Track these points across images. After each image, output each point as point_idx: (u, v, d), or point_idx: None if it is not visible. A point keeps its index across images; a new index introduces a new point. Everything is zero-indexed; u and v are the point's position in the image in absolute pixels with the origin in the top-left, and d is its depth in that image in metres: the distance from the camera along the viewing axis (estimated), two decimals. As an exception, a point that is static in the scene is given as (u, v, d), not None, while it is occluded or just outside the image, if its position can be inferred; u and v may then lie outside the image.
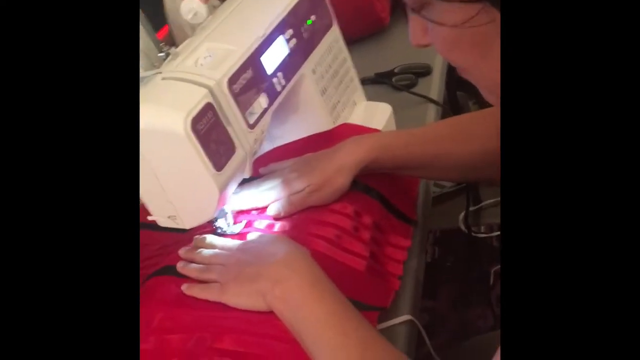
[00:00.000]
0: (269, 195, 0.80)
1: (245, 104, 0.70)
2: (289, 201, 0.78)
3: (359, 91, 0.96)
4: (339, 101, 0.90)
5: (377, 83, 1.19)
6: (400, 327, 0.68)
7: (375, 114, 0.93)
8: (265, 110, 0.73)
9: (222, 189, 0.67)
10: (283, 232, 0.76)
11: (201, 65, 0.70)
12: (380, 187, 0.82)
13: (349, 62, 0.93)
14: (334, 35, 0.90)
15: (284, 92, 0.77)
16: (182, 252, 0.74)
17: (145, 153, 0.65)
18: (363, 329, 0.61)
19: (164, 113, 0.63)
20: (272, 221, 0.79)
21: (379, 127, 0.89)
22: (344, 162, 0.78)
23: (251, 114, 0.71)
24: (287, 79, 0.78)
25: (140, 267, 0.84)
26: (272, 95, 0.75)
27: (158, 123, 0.63)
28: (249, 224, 0.79)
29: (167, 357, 0.64)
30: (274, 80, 0.75)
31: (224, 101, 0.67)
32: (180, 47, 0.73)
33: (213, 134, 0.65)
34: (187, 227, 0.71)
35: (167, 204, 0.69)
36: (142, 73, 0.70)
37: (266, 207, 0.80)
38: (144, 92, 0.65)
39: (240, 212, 0.81)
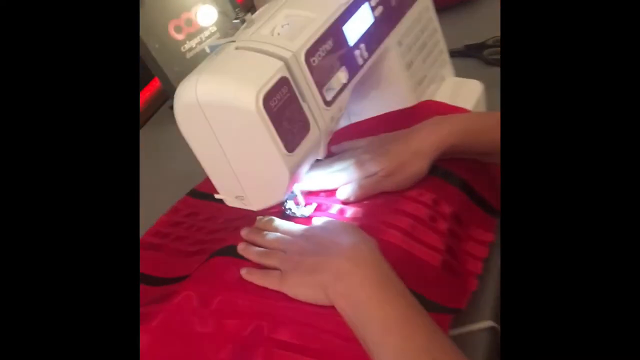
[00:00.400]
0: (339, 178, 0.74)
1: (323, 79, 0.64)
2: (360, 185, 0.72)
3: (447, 66, 0.88)
4: (425, 76, 0.82)
5: (466, 56, 1.09)
6: (479, 335, 0.61)
7: (464, 92, 0.84)
8: (344, 86, 0.67)
9: (293, 171, 0.62)
10: (353, 219, 0.71)
11: (278, 34, 0.64)
12: (462, 173, 0.74)
13: (439, 34, 0.85)
14: (425, 3, 0.82)
15: (366, 66, 0.70)
16: (244, 233, 0.70)
17: (214, 127, 0.60)
18: (433, 336, 0.55)
19: (234, 86, 0.58)
20: (343, 206, 0.73)
21: (468, 107, 0.81)
22: (421, 145, 0.71)
23: (329, 89, 0.65)
24: (370, 51, 0.71)
25: (206, 240, 0.80)
26: (353, 70, 0.68)
27: (228, 97, 0.58)
28: (319, 208, 0.74)
29: (222, 342, 0.61)
30: (356, 52, 0.68)
31: (300, 75, 0.61)
32: (257, 12, 0.68)
33: (286, 111, 0.59)
34: (255, 209, 0.66)
35: (235, 183, 0.64)
36: (215, 41, 0.65)
37: (335, 190, 0.75)
38: (216, 63, 0.60)
39: (310, 194, 0.76)
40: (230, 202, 0.67)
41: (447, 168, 0.73)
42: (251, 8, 0.68)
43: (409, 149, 0.71)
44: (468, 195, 0.73)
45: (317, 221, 0.70)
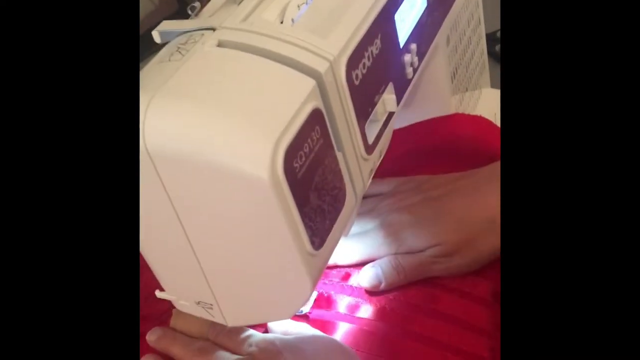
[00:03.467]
0: (359, 248, 0.47)
1: (366, 107, 0.36)
2: (397, 266, 0.46)
3: (486, 72, 0.62)
4: (466, 89, 0.56)
5: (471, 50, 0.85)
6: None
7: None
8: (390, 116, 0.40)
9: (317, 278, 0.34)
10: (369, 330, 0.44)
11: (291, 22, 0.35)
12: None
13: (482, 26, 0.59)
14: (470, -19, 0.55)
15: (414, 80, 0.43)
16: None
17: (175, 200, 0.31)
18: None
19: (225, 129, 0.29)
20: (356, 300, 0.46)
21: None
22: (499, 212, 0.45)
23: (372, 123, 0.38)
24: (421, 54, 0.43)
25: None
26: (401, 88, 0.41)
27: (210, 151, 0.29)
28: (320, 300, 0.47)
29: None
30: (406, 58, 0.41)
31: (337, 104, 0.33)
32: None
33: (317, 174, 0.31)
34: (230, 324, 0.38)
35: (201, 286, 0.36)
36: (171, 23, 0.35)
37: (356, 266, 0.48)
38: (182, 76, 0.31)
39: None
40: (186, 307, 0.39)
41: None
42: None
43: (482, 214, 0.45)
44: None
45: (304, 342, 0.43)
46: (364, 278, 0.46)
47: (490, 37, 0.84)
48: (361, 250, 0.47)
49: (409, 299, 0.46)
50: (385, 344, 0.44)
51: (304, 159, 0.30)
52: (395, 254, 0.46)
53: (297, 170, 0.30)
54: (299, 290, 0.33)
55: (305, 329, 0.44)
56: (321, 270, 0.34)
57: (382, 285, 0.46)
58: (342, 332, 0.45)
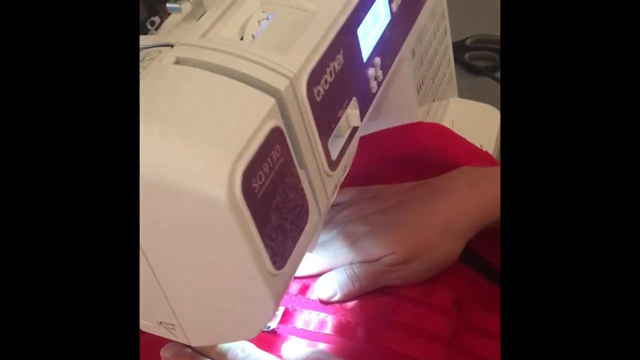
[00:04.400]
0: (317, 260, 0.47)
1: (329, 123, 0.36)
2: (352, 275, 0.46)
3: (453, 82, 0.62)
4: (433, 100, 0.56)
5: (440, 58, 0.85)
6: None
7: (479, 124, 0.60)
8: (354, 131, 0.39)
9: (279, 298, 0.33)
10: (340, 342, 0.44)
11: (252, 37, 0.35)
12: (485, 251, 0.50)
13: (449, 37, 0.59)
14: (437, -8, 0.55)
15: (379, 94, 0.43)
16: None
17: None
18: None
19: (182, 151, 0.28)
20: (322, 315, 0.46)
21: (489, 147, 0.57)
22: (452, 220, 0.45)
23: (335, 138, 0.37)
24: (386, 68, 0.43)
25: None
26: (365, 102, 0.41)
27: (166, 173, 0.28)
28: (286, 315, 0.46)
29: None
30: (370, 72, 0.41)
31: (298, 121, 0.33)
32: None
33: (277, 193, 0.31)
34: (193, 344, 0.37)
35: (161, 305, 0.35)
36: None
37: (314, 277, 0.48)
38: (140, 95, 0.30)
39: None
40: (147, 327, 0.38)
41: (470, 247, 0.48)
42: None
43: (434, 223, 0.45)
44: (490, 280, 0.49)
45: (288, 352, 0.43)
46: (320, 289, 0.46)
47: (458, 46, 0.85)
48: (319, 261, 0.47)
49: (369, 310, 0.46)
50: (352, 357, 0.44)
51: (263, 178, 0.30)
52: (351, 263, 0.46)
53: (256, 190, 0.29)
54: (262, 310, 0.33)
55: (324, 357, 0.43)
56: (284, 288, 0.34)
57: (338, 296, 0.46)
58: (310, 350, 0.45)
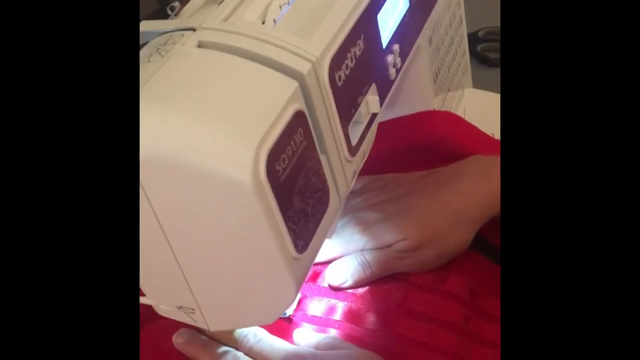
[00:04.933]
0: (329, 247, 0.47)
1: (350, 109, 0.36)
2: (364, 262, 0.46)
3: (468, 73, 0.62)
4: (449, 90, 0.56)
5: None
6: None
7: (494, 115, 0.59)
8: (374, 117, 0.39)
9: (301, 282, 0.34)
10: (350, 331, 0.44)
11: (273, 23, 0.35)
12: (494, 238, 0.50)
13: (464, 27, 0.59)
14: (452, -20, 0.55)
15: (397, 81, 0.43)
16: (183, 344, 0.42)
17: (154, 201, 0.30)
18: None
19: (205, 132, 0.28)
20: (334, 301, 0.46)
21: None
22: (466, 206, 0.46)
23: (355, 124, 0.37)
24: (404, 55, 0.43)
25: None
26: (384, 88, 0.41)
27: (189, 154, 0.28)
28: (301, 302, 0.46)
29: None
30: (389, 59, 0.41)
31: (319, 106, 0.33)
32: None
33: (300, 177, 0.31)
34: (212, 329, 0.37)
35: (182, 290, 0.35)
36: (149, 23, 0.34)
37: (325, 264, 0.48)
38: (161, 79, 0.30)
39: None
40: (167, 311, 0.38)
41: (482, 234, 0.48)
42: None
43: (445, 210, 0.45)
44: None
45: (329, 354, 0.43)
46: (331, 276, 0.46)
47: (471, 37, 0.85)
48: (331, 247, 0.47)
49: (380, 297, 0.46)
50: (366, 346, 0.44)
51: (287, 161, 0.30)
52: (363, 250, 0.46)
53: (280, 174, 0.29)
54: (283, 294, 0.33)
55: (337, 343, 0.43)
56: (305, 272, 0.34)
57: (349, 282, 0.46)
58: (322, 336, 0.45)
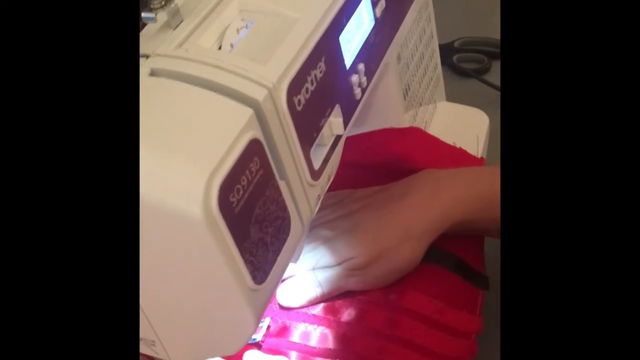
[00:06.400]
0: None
1: (311, 132, 0.35)
2: (315, 282, 0.46)
3: (440, 86, 0.62)
4: (420, 105, 0.56)
5: (429, 60, 0.84)
6: None
7: (465, 127, 0.59)
8: (337, 139, 0.39)
9: (260, 313, 0.33)
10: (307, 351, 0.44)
11: (230, 47, 0.34)
12: (457, 249, 0.49)
13: (435, 40, 0.59)
14: (423, -5, 0.55)
15: (363, 100, 0.42)
16: None
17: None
18: None
19: (156, 167, 0.27)
20: (307, 326, 0.45)
21: (478, 150, 0.56)
22: (412, 224, 0.45)
23: (318, 147, 0.37)
24: (370, 74, 0.43)
25: None
26: (349, 109, 0.40)
27: (139, 187, 0.27)
28: (283, 330, 0.46)
29: None
30: (353, 79, 0.40)
31: (277, 132, 0.32)
32: (183, -2, 0.37)
33: (257, 206, 0.30)
34: (175, 360, 0.36)
35: (141, 322, 0.34)
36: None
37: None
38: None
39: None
40: (129, 342, 0.37)
41: (441, 246, 0.47)
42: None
43: (394, 227, 0.45)
44: (461, 275, 0.48)
45: None
46: (283, 297, 0.46)
47: (447, 48, 0.84)
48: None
49: (335, 317, 0.45)
50: None
51: (241, 192, 0.29)
52: (314, 268, 0.45)
53: (234, 205, 0.28)
54: (243, 326, 0.32)
55: None
56: (266, 302, 0.33)
57: (301, 303, 0.45)
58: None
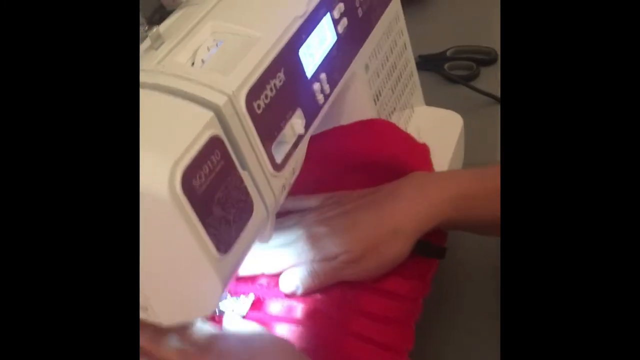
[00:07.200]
0: (282, 258, 0.53)
1: (272, 132, 0.42)
2: (312, 272, 0.52)
3: (417, 91, 0.68)
4: (394, 109, 0.62)
5: (422, 69, 0.91)
6: None
7: (442, 129, 0.65)
8: (300, 138, 0.46)
9: (227, 278, 0.40)
10: (307, 327, 0.50)
11: (202, 62, 0.41)
12: (441, 240, 0.56)
13: (409, 51, 0.65)
14: (394, 9, 0.61)
15: (327, 105, 0.49)
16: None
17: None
18: None
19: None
20: (290, 302, 0.52)
21: (448, 152, 0.62)
22: (402, 222, 0.51)
23: (279, 144, 0.44)
24: (333, 82, 0.50)
25: None
26: (312, 112, 0.47)
27: (122, 173, 0.35)
28: (257, 303, 0.52)
29: None
30: (315, 86, 0.47)
31: (238, 130, 0.39)
32: (166, 24, 0.45)
33: (219, 190, 0.37)
34: (165, 323, 0.44)
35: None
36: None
37: (279, 275, 0.54)
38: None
39: (243, 280, 0.54)
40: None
41: (425, 238, 0.54)
42: (160, 19, 0.45)
43: (385, 225, 0.51)
44: (423, 254, 0.54)
45: (243, 331, 0.49)
46: (283, 284, 0.52)
47: (439, 57, 0.91)
48: (285, 259, 0.53)
49: (339, 298, 0.51)
50: (319, 339, 0.50)
51: (204, 178, 0.36)
52: (312, 261, 0.52)
53: (197, 188, 0.36)
54: (212, 289, 0.39)
55: (259, 329, 0.49)
56: (232, 271, 0.40)
57: (300, 290, 0.52)
58: (280, 331, 0.51)
